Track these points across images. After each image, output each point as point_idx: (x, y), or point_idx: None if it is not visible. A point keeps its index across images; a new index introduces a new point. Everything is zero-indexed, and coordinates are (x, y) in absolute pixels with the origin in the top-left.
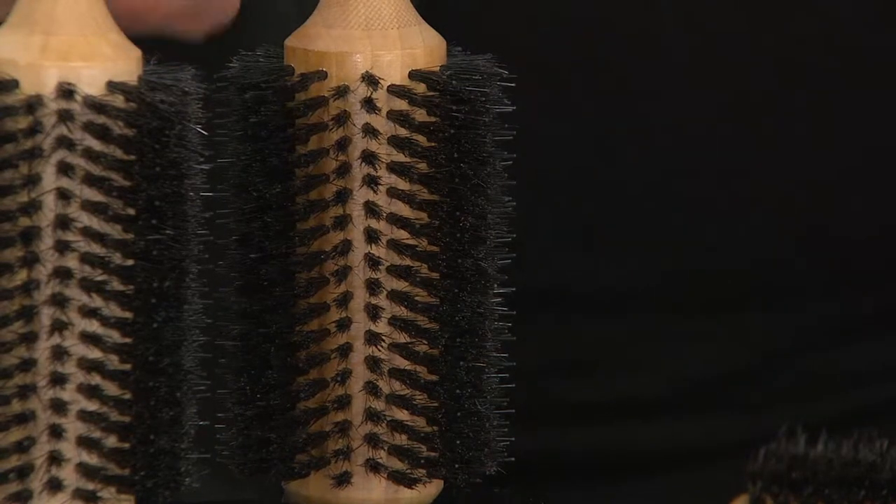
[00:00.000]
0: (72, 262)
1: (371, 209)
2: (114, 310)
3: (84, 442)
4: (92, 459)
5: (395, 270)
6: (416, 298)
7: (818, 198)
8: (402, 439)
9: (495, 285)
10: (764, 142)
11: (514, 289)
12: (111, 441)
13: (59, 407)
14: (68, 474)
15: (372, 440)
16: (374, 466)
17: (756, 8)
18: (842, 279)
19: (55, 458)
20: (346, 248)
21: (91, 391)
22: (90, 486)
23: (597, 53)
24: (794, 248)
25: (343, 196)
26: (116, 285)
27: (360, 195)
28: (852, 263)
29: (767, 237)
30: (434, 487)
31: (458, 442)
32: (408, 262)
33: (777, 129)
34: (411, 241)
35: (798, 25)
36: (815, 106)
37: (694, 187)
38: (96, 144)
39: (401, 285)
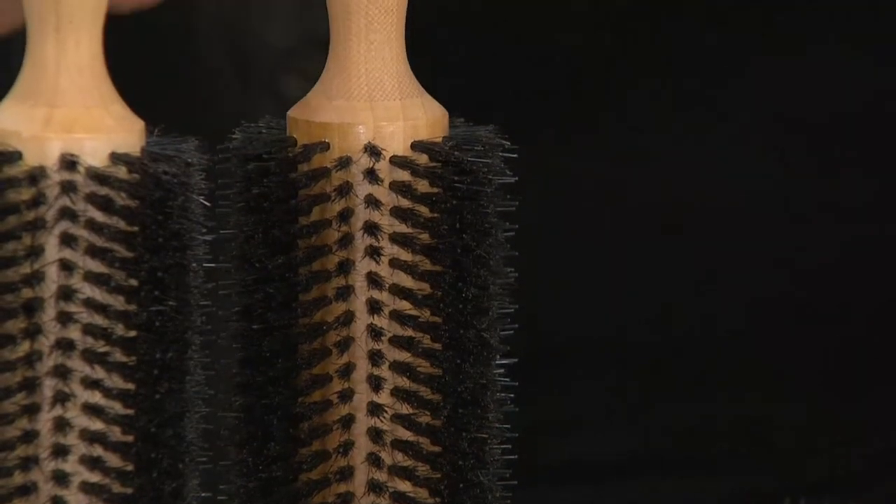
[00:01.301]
0: (74, 333)
1: (373, 280)
2: (116, 381)
3: None
4: None
5: (397, 341)
6: (419, 369)
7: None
8: None
9: (498, 356)
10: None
11: (516, 359)
12: None
13: (61, 479)
14: None
15: None
16: None
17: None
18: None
19: None
20: (348, 318)
21: (93, 463)
22: None
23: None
24: (790, 309)
25: (345, 267)
26: (119, 356)
27: (363, 266)
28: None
29: (759, 297)
30: None
31: None
32: (410, 332)
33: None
34: (414, 312)
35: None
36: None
37: (684, 247)
38: (99, 216)
39: (403, 356)
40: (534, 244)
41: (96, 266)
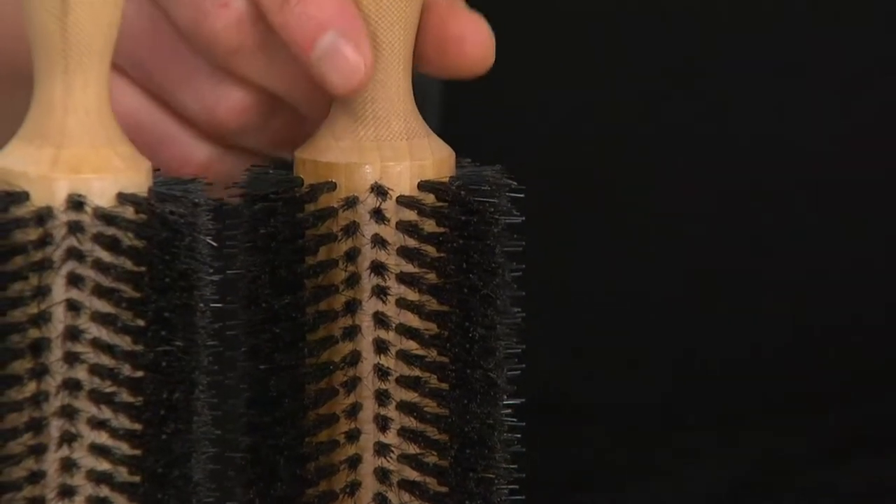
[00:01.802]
0: (81, 373)
1: (380, 320)
2: (123, 421)
3: None
4: None
5: (404, 381)
6: (426, 409)
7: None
8: None
9: (505, 396)
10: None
11: (523, 399)
12: None
13: None
14: None
15: None
16: None
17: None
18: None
19: None
20: (355, 358)
21: None
22: None
23: (593, 168)
24: (805, 357)
25: (352, 307)
26: (126, 397)
27: (370, 306)
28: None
29: (775, 347)
30: None
31: None
32: (417, 372)
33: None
34: (420, 352)
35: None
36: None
37: (695, 296)
38: (106, 256)
39: (410, 396)
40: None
41: (103, 306)
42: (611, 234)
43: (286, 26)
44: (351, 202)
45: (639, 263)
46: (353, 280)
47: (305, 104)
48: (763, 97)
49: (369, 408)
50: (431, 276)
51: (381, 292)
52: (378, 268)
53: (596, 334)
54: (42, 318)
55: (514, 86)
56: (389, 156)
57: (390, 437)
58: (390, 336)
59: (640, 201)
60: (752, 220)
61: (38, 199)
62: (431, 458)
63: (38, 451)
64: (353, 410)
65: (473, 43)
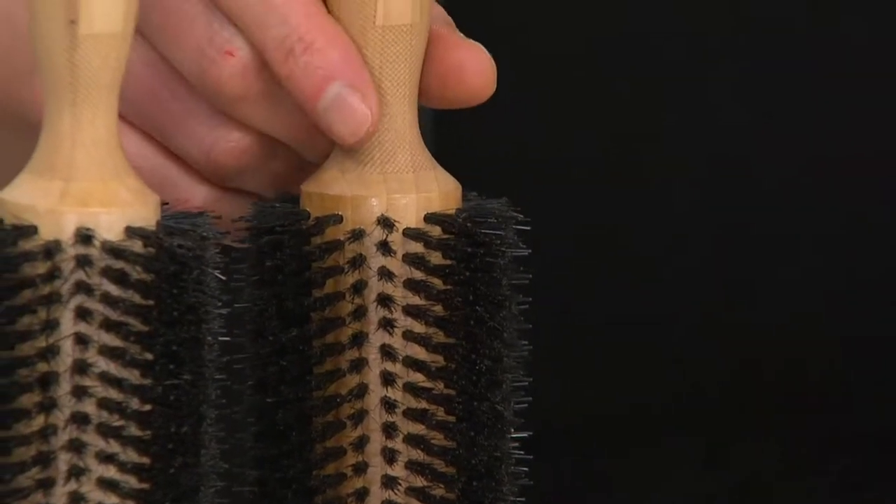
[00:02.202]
0: (89, 407)
1: (387, 352)
2: (131, 455)
3: None
4: None
5: (411, 414)
6: (433, 442)
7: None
8: None
9: (512, 429)
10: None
11: (531, 432)
12: None
13: None
14: None
15: None
16: None
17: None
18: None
19: None
20: (362, 391)
21: None
22: None
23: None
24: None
25: (359, 339)
26: (134, 430)
27: (376, 338)
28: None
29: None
30: None
31: None
32: (424, 405)
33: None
34: (427, 384)
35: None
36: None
37: (694, 326)
38: (114, 289)
39: (417, 429)
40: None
41: (111, 340)
42: (608, 262)
43: (291, 77)
44: (357, 235)
45: (639, 293)
46: (359, 312)
47: (306, 148)
48: (769, 126)
49: (376, 440)
50: (438, 309)
51: (387, 324)
52: (385, 300)
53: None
54: (50, 352)
55: (511, 117)
56: (396, 188)
57: (397, 470)
58: (397, 368)
59: (639, 232)
60: (748, 244)
61: (47, 233)
62: (439, 491)
63: (47, 485)
64: (361, 443)
65: (474, 72)
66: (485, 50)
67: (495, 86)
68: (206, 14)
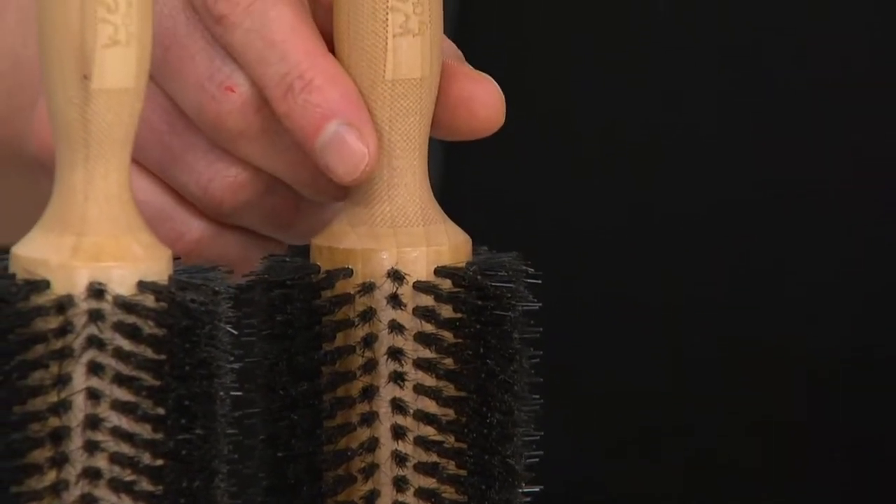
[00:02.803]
0: (101, 462)
1: (398, 406)
2: None
3: None
4: None
5: (422, 467)
6: (444, 496)
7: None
8: None
9: (523, 483)
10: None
11: (542, 486)
12: None
13: None
14: None
15: None
16: None
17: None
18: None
19: None
20: (373, 445)
21: None
22: None
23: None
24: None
25: (370, 393)
26: (146, 485)
27: (387, 392)
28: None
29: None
30: None
31: None
32: (435, 458)
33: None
34: (438, 438)
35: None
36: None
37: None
38: (126, 344)
39: (428, 482)
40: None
41: (123, 394)
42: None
43: (290, 115)
44: (367, 288)
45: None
46: (370, 366)
47: (304, 186)
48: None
49: (387, 494)
50: (449, 362)
51: (398, 378)
52: (395, 353)
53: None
54: (62, 407)
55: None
56: (406, 241)
57: None
58: (408, 422)
59: (652, 289)
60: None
61: (59, 288)
62: None
63: None
64: (372, 497)
65: (484, 104)
66: (494, 82)
67: (504, 118)
68: (208, 50)
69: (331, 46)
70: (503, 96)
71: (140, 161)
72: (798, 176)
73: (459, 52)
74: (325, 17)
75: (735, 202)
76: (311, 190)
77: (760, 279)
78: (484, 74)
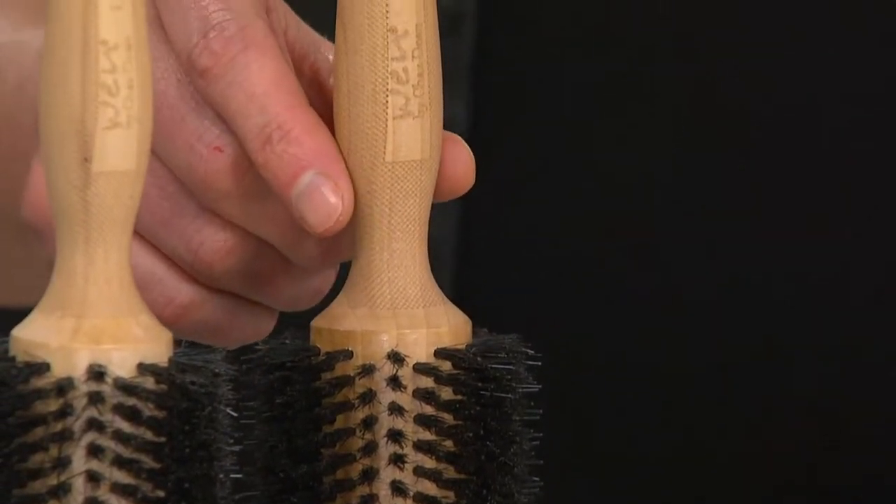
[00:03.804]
0: None
1: (398, 488)
2: None
3: None
4: None
5: None
6: None
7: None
8: None
9: None
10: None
11: None
12: None
13: None
14: None
15: None
16: None
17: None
18: None
19: None
20: None
21: None
22: None
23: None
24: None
25: (369, 475)
26: None
27: (387, 474)
28: None
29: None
30: None
31: None
32: None
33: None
34: None
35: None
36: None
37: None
38: (126, 426)
39: None
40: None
41: (123, 477)
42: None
43: (268, 165)
44: (367, 370)
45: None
46: (369, 448)
47: (292, 250)
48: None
49: None
50: (448, 444)
51: (398, 460)
52: (395, 436)
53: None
54: (62, 490)
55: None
56: (406, 323)
57: None
58: None
59: (654, 367)
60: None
61: (59, 370)
62: None
63: None
64: None
65: (453, 169)
66: (464, 143)
67: (473, 181)
68: (198, 111)
69: (323, 115)
70: (473, 158)
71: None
72: (814, 263)
73: None
74: (309, 90)
75: (747, 282)
76: (298, 254)
77: (773, 348)
78: (454, 135)
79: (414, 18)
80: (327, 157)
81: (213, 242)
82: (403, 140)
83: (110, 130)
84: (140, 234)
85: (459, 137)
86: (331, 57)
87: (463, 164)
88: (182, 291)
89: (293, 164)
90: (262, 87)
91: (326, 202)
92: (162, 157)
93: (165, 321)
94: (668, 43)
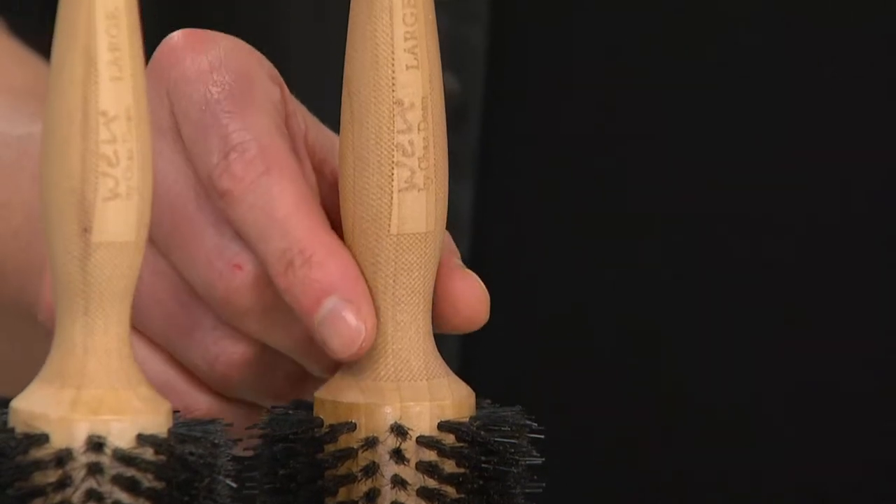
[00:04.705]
0: None
1: None
2: None
3: None
4: None
5: None
6: None
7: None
8: None
9: None
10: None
11: None
12: None
13: None
14: None
15: None
16: None
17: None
18: None
19: None
20: None
21: None
22: None
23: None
24: None
25: None
26: None
27: None
28: None
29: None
30: None
31: None
32: None
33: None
34: None
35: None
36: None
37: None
38: (125, 497)
39: None
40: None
41: None
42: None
43: (290, 290)
44: (371, 442)
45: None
46: None
47: (310, 362)
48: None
49: None
50: None
51: None
52: None
53: None
54: None
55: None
56: (409, 396)
57: None
58: None
59: (654, 442)
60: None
61: (58, 441)
62: None
63: None
64: None
65: (468, 303)
66: (479, 280)
67: (488, 316)
68: (216, 227)
69: (336, 224)
70: (488, 295)
71: (147, 333)
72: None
73: (454, 246)
74: (330, 194)
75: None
76: (317, 366)
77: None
78: (470, 273)
79: (420, 91)
80: (349, 282)
81: (230, 355)
82: (408, 212)
83: (110, 201)
84: (157, 342)
85: (475, 275)
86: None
87: (478, 304)
88: (198, 401)
89: (316, 290)
90: (283, 210)
91: (350, 328)
92: (180, 268)
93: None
94: (674, 101)
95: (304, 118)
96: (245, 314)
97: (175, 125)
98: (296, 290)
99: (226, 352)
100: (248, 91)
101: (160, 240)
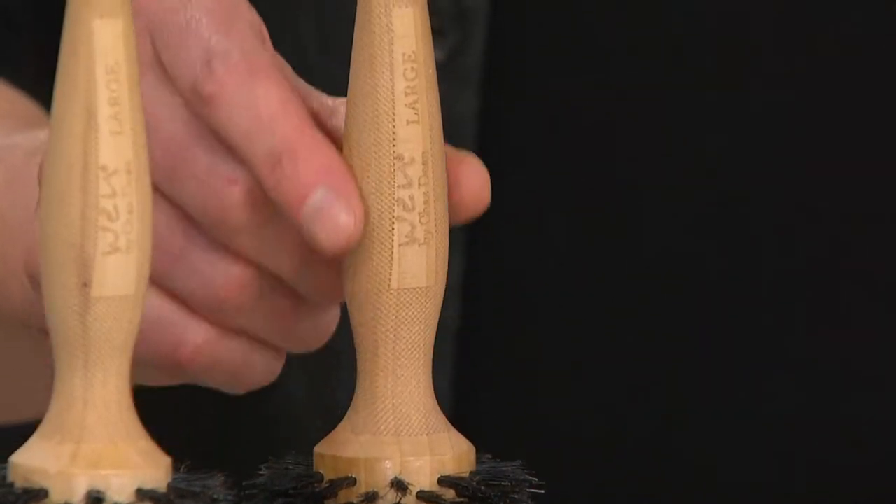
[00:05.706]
0: None
1: None
2: None
3: None
4: None
5: None
6: None
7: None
8: None
9: None
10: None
11: None
12: None
13: None
14: None
15: None
16: None
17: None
18: None
19: None
20: None
21: None
22: None
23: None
24: None
25: None
26: None
27: None
28: None
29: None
30: None
31: None
32: None
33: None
34: None
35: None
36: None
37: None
38: None
39: None
40: None
41: None
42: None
43: (277, 187)
44: (371, 497)
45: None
46: None
47: (305, 283)
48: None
49: None
50: None
51: None
52: None
53: None
54: None
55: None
56: (409, 451)
57: None
58: None
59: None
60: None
61: (57, 495)
62: None
63: None
64: None
65: (469, 186)
66: (479, 162)
67: (489, 198)
68: (207, 147)
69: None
70: (488, 176)
71: None
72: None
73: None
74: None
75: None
76: (311, 288)
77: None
78: (468, 154)
79: (420, 146)
80: (337, 174)
81: (226, 276)
82: (409, 267)
83: (110, 255)
84: (151, 275)
85: (475, 157)
86: (328, 102)
87: (480, 185)
88: (195, 331)
89: (302, 184)
90: (268, 110)
91: (337, 220)
92: (174, 197)
93: (178, 364)
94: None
95: (281, 57)
96: (241, 231)
97: (157, 58)
98: (283, 186)
99: (221, 274)
100: (230, 11)
101: (152, 169)
